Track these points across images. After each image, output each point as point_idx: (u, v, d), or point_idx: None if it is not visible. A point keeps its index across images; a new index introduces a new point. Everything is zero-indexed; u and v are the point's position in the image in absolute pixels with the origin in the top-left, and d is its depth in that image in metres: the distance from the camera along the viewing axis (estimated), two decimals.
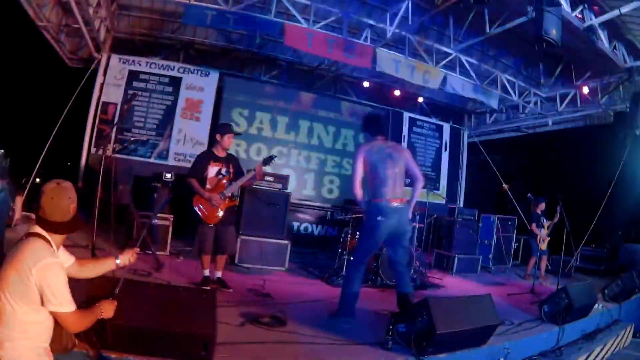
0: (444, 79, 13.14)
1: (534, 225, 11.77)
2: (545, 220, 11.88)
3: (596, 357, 7.51)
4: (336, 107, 16.11)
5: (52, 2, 11.43)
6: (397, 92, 16.10)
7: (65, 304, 3.10)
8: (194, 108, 13.74)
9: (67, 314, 3.11)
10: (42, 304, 3.05)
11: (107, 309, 3.54)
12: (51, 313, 3.08)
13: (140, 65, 13.46)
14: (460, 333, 5.18)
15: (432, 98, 17.52)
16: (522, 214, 14.11)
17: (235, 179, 7.18)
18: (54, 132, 11.27)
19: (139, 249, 4.17)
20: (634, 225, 13.87)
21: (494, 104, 14.85)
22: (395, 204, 6.32)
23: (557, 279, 9.63)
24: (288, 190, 10.45)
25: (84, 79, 12.09)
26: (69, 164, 13.84)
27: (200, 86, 13.87)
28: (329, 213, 14.97)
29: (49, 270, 3.03)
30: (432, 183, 16.77)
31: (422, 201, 11.46)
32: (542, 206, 12.02)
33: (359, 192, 6.36)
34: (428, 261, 11.84)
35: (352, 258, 6.95)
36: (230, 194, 7.12)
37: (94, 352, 3.83)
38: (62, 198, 3.19)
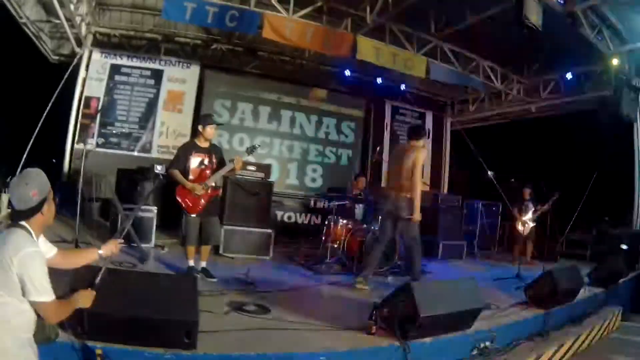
0: (428, 67, 13.14)
1: (515, 210, 11.84)
2: (530, 206, 11.94)
3: (584, 340, 7.52)
4: (318, 96, 16.11)
5: None
6: (379, 80, 16.17)
7: (45, 293, 3.07)
8: (176, 100, 13.76)
9: (46, 303, 3.09)
10: (23, 294, 3.02)
11: (85, 299, 3.52)
12: (30, 303, 3.06)
13: (121, 59, 13.47)
14: (444, 317, 5.18)
15: (415, 86, 17.55)
16: (506, 201, 14.15)
17: (217, 170, 7.17)
18: (38, 129, 11.20)
19: (122, 240, 4.14)
20: (620, 210, 13.91)
21: (478, 86, 14.89)
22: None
23: (542, 264, 9.67)
24: (271, 180, 10.53)
25: (67, 74, 12.00)
26: (53, 160, 13.74)
27: (182, 78, 13.90)
28: (312, 202, 15.02)
29: (30, 260, 3.01)
30: None
31: None
32: (527, 192, 12.08)
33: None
34: None
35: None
36: (213, 184, 7.12)
37: (79, 342, 3.82)
38: (20, 185, 3.16)
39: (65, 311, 3.35)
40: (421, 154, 7.80)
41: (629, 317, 9.64)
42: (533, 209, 11.92)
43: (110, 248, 3.90)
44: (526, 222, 11.94)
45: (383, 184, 7.65)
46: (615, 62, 11.83)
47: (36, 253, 3.08)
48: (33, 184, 3.18)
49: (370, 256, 8.01)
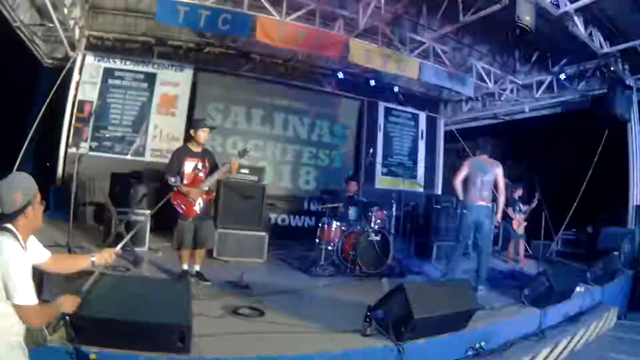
0: (420, 69, 13.16)
1: (510, 209, 11.87)
2: (522, 205, 11.99)
3: (580, 339, 7.56)
4: (311, 99, 16.13)
5: (27, 3, 11.35)
6: (372, 82, 16.15)
7: (26, 297, 3.07)
8: (170, 103, 13.70)
9: (27, 307, 3.08)
10: (7, 296, 3.02)
11: (68, 304, 3.56)
12: (13, 306, 3.06)
13: (115, 62, 13.40)
14: (438, 318, 5.20)
15: (408, 87, 17.52)
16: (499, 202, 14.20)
17: (211, 173, 7.18)
18: (31, 133, 11.17)
19: (119, 251, 4.16)
20: (615, 208, 13.93)
21: (469, 92, 14.94)
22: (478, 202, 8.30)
23: (537, 263, 9.69)
24: (264, 182, 10.59)
25: (60, 78, 11.96)
26: (47, 164, 13.70)
27: (175, 81, 13.84)
28: (306, 204, 14.98)
29: (12, 262, 3.01)
30: (409, 171, 17.05)
31: (398, 189, 11.56)
32: (519, 192, 12.15)
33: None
34: (407, 249, 11.91)
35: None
36: (207, 188, 7.14)
37: (73, 346, 3.83)
38: (3, 189, 3.17)
39: (48, 315, 3.37)
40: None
41: (624, 316, 9.68)
42: (525, 208, 11.98)
43: (105, 257, 3.89)
44: (520, 221, 12.00)
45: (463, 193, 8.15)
46: (608, 61, 11.88)
47: (18, 256, 3.08)
48: (16, 188, 3.18)
49: (453, 261, 8.56)
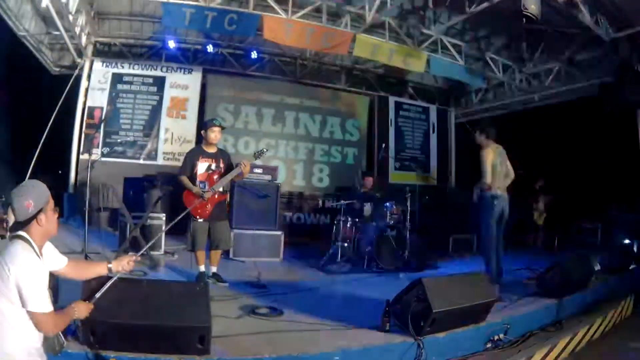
0: (428, 62, 13.15)
1: (532, 200, 11.85)
2: (542, 195, 11.96)
3: (597, 328, 7.50)
4: (321, 95, 16.19)
5: (32, 12, 11.40)
6: (380, 76, 16.25)
7: (41, 304, 3.08)
8: (180, 106, 13.79)
9: (42, 314, 3.09)
10: (22, 304, 3.04)
11: (81, 310, 3.56)
12: (27, 313, 3.08)
13: (123, 67, 13.52)
14: (457, 311, 5.20)
15: (418, 81, 17.62)
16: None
17: (225, 174, 7.17)
18: (42, 141, 11.22)
19: (138, 257, 4.15)
20: (629, 196, 13.87)
21: (479, 83, 14.92)
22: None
23: (553, 254, 9.65)
24: (278, 182, 10.56)
25: (68, 85, 12.02)
26: (59, 172, 13.78)
27: (184, 84, 13.93)
28: (320, 202, 14.96)
29: (26, 270, 3.02)
30: (422, 165, 17.09)
31: (412, 184, 11.53)
32: (540, 183, 12.14)
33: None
34: (424, 243, 11.89)
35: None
36: (220, 189, 7.11)
37: (92, 351, 3.85)
38: (15, 197, 3.19)
39: (62, 323, 3.37)
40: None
41: None
42: (544, 199, 11.96)
43: (122, 264, 3.91)
44: (541, 211, 11.98)
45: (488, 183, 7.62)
46: (616, 47, 11.83)
47: (33, 264, 3.10)
48: (28, 195, 3.20)
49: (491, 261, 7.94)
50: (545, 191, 12.03)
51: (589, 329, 7.16)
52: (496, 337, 5.72)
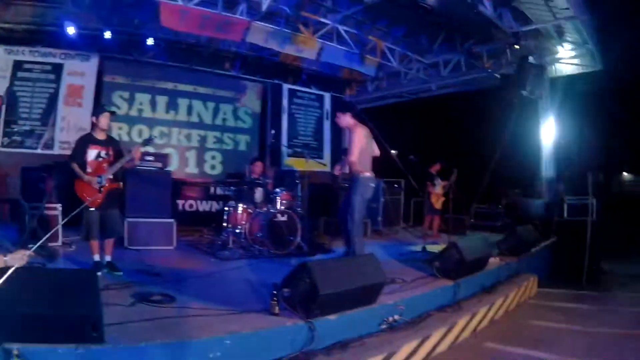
0: (321, 49, 13.28)
1: (429, 184, 12.09)
2: (439, 180, 12.22)
3: (499, 308, 7.74)
4: (215, 82, 16.27)
5: None
6: (275, 64, 16.47)
7: None
8: (76, 94, 13.45)
9: None
10: None
11: None
12: None
13: (24, 54, 13.05)
14: (345, 293, 5.28)
15: (313, 68, 17.78)
16: (410, 178, 14.52)
17: (115, 162, 7.08)
18: None
19: (32, 253, 4.10)
20: (530, 181, 14.34)
21: (371, 71, 15.13)
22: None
23: (450, 237, 9.89)
24: (169, 169, 10.65)
25: None
26: None
27: (81, 71, 13.59)
28: (212, 189, 14.88)
29: None
30: (314, 152, 17.48)
31: (304, 170, 11.68)
32: (437, 167, 12.39)
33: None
34: (316, 228, 12.16)
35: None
36: (111, 177, 7.03)
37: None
38: None
39: None
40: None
41: (546, 285, 9.96)
42: (443, 183, 12.20)
43: (18, 258, 3.86)
44: (439, 195, 12.23)
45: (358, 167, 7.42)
46: (518, 40, 12.17)
47: None
48: None
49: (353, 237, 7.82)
50: (443, 176, 12.25)
51: (489, 309, 7.38)
52: (391, 318, 5.84)
